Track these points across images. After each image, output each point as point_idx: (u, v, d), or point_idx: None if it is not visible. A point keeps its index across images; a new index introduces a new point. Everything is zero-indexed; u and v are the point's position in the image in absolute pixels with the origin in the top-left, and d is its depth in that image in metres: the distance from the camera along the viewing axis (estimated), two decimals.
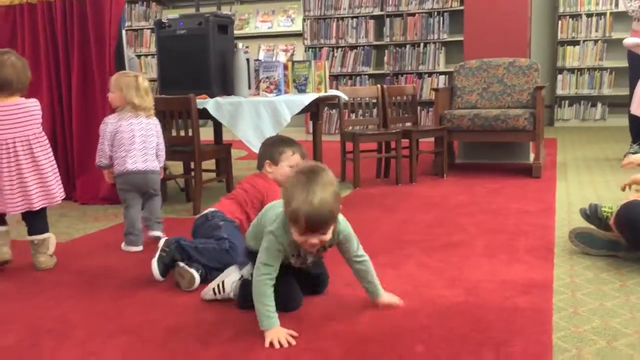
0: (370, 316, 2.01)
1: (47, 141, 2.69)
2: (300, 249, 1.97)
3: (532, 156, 4.82)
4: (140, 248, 2.92)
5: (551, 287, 2.20)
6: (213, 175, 4.16)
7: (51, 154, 2.71)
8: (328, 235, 1.83)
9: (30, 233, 2.70)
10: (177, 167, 4.47)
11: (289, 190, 1.79)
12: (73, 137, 4.09)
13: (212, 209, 2.64)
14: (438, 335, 1.84)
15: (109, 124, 2.95)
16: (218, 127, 4.57)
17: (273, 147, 2.68)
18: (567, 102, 7.90)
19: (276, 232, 1.89)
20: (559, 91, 7.82)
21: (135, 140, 2.93)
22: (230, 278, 2.17)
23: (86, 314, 2.11)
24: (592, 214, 2.68)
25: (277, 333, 1.82)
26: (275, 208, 2.01)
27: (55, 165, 2.73)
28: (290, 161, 2.63)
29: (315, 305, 2.12)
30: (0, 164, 2.53)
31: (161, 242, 2.43)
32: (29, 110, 2.62)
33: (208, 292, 2.18)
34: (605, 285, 2.21)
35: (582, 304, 2.04)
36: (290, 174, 1.88)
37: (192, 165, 3.79)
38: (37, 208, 2.63)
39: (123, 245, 2.96)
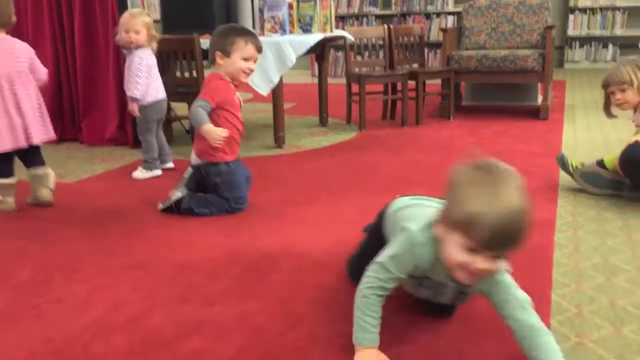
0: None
1: (32, 84, 2.67)
2: (440, 275, 1.41)
3: (540, 98, 4.78)
4: (161, 172, 3.24)
5: (553, 225, 2.23)
6: None
7: (34, 96, 2.68)
8: (502, 263, 1.32)
9: (30, 166, 2.71)
10: (182, 109, 4.46)
11: (457, 189, 1.27)
12: (77, 79, 4.07)
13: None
14: None
15: (144, 57, 3.15)
16: None
17: (224, 37, 2.46)
18: (577, 43, 7.74)
19: (417, 235, 1.35)
20: (570, 32, 7.66)
21: (157, 71, 3.24)
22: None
23: (95, 251, 2.15)
24: (564, 164, 2.71)
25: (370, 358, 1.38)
26: (423, 207, 1.54)
27: (38, 107, 2.70)
28: (243, 52, 2.45)
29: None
30: None
31: (174, 196, 2.54)
32: (11, 48, 2.58)
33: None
34: (608, 223, 2.23)
35: (583, 242, 2.06)
36: (462, 170, 1.29)
37: None
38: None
39: (142, 173, 3.19)
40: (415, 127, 4.37)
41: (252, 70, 2.45)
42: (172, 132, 4.11)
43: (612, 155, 2.59)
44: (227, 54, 2.44)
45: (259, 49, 2.47)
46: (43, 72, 2.74)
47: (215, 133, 2.42)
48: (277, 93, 3.75)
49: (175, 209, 2.52)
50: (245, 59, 2.45)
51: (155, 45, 3.21)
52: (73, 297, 1.78)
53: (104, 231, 2.37)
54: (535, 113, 4.51)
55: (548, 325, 1.51)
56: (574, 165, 2.67)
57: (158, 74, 3.26)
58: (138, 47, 3.13)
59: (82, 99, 4.09)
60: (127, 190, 2.95)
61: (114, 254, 2.12)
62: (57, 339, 1.54)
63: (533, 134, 3.92)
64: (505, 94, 5.06)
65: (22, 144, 2.62)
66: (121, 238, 2.28)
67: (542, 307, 1.60)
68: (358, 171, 3.17)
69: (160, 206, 2.57)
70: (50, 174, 2.73)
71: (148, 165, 3.21)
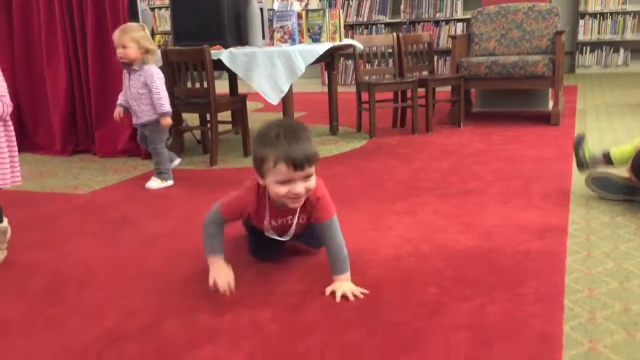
0: (384, 260, 2.04)
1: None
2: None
3: (550, 103, 4.76)
4: (172, 182, 3.29)
5: (566, 231, 2.21)
6: (229, 127, 4.18)
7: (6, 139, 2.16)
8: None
9: None
10: (193, 119, 4.49)
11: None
12: (90, 91, 4.12)
13: None
14: (451, 278, 1.87)
15: (160, 72, 3.19)
16: (233, 79, 4.56)
17: (256, 148, 1.73)
18: (588, 48, 7.72)
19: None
20: (581, 37, 7.64)
21: None
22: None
23: (108, 261, 2.17)
24: (578, 144, 2.70)
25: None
26: None
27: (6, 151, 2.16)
28: (275, 175, 1.68)
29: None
30: None
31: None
32: None
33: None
34: (621, 228, 2.21)
35: (596, 247, 2.05)
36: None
37: (208, 117, 3.80)
38: None
39: (157, 183, 3.22)
40: (425, 134, 4.37)
41: (299, 195, 1.71)
42: (183, 142, 4.14)
43: (618, 147, 2.59)
44: (261, 175, 1.74)
45: (299, 163, 1.63)
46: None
47: (220, 280, 1.81)
48: (287, 102, 3.78)
49: None
50: (282, 182, 1.68)
51: (153, 58, 3.19)
52: (86, 307, 1.80)
53: (117, 241, 2.38)
54: (546, 119, 4.49)
55: (560, 331, 1.50)
56: (586, 153, 2.66)
57: None
58: (144, 63, 3.14)
59: (95, 111, 4.13)
60: (140, 201, 2.97)
61: (126, 264, 2.14)
62: (71, 349, 1.55)
63: (544, 139, 3.91)
64: (515, 100, 5.05)
65: None
66: (134, 248, 2.30)
67: (555, 313, 1.60)
68: (368, 179, 3.17)
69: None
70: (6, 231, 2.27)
71: (163, 175, 3.23)
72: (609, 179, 2.56)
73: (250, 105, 4.68)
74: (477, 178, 3.05)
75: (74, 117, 4.26)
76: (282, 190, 1.69)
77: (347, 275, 1.83)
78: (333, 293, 1.79)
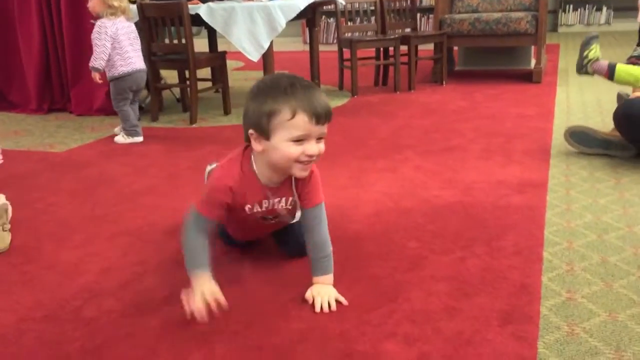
0: (365, 216, 2.03)
1: None
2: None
3: (533, 62, 4.74)
4: (142, 139, 3.24)
5: (546, 186, 2.22)
6: (209, 84, 4.10)
7: None
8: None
9: None
10: (172, 78, 4.40)
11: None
12: (65, 48, 4.00)
13: None
14: (432, 232, 1.87)
15: (107, 27, 3.09)
16: (212, 37, 4.47)
17: (258, 101, 1.40)
18: (571, 6, 7.67)
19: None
20: None
21: (132, 41, 3.20)
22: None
23: (86, 219, 2.14)
24: (587, 44, 2.69)
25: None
26: None
27: None
28: (291, 130, 1.37)
29: None
30: None
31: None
32: None
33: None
34: (600, 183, 2.23)
35: (575, 201, 2.06)
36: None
37: (187, 74, 3.73)
38: None
39: (124, 139, 3.23)
40: (407, 92, 4.33)
41: (312, 157, 1.42)
42: (162, 101, 4.07)
43: (626, 66, 2.59)
44: (264, 133, 1.40)
45: (323, 113, 1.38)
46: None
47: (196, 302, 1.42)
48: (267, 59, 3.71)
49: None
50: (297, 140, 1.38)
51: (120, 14, 3.13)
52: (64, 264, 1.77)
53: (94, 199, 2.35)
54: (528, 77, 4.48)
55: (539, 282, 1.51)
56: (591, 53, 2.64)
57: (133, 44, 3.20)
58: (103, 15, 3.10)
59: (70, 68, 4.03)
60: (118, 159, 2.92)
61: (104, 221, 2.11)
62: (48, 304, 1.53)
63: (526, 97, 3.90)
64: (498, 58, 5.02)
65: None
66: (111, 205, 2.26)
67: (534, 265, 1.61)
68: (350, 137, 3.15)
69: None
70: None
71: (130, 132, 3.21)
72: (586, 133, 2.56)
73: (230, 64, 4.59)
74: (459, 135, 3.04)
75: (49, 73, 4.15)
76: (295, 150, 1.38)
77: (330, 277, 1.54)
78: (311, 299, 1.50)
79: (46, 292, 1.60)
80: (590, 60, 2.61)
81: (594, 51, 2.62)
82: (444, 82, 4.54)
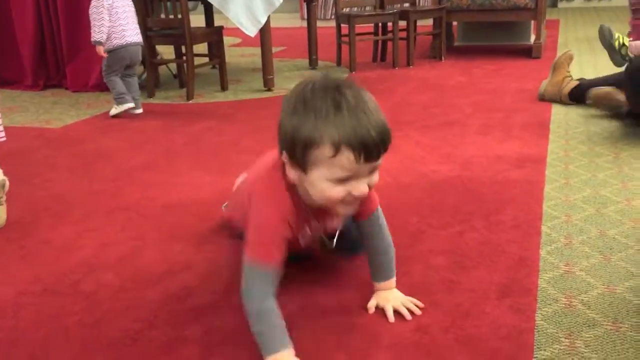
0: None
1: None
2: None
3: (532, 37, 4.70)
4: (141, 110, 3.27)
5: (545, 160, 2.21)
6: (206, 60, 4.06)
7: None
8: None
9: None
10: (168, 54, 4.36)
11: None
12: (60, 23, 3.95)
13: None
14: (431, 206, 1.87)
15: (101, 0, 3.06)
16: (209, 12, 4.41)
17: (293, 123, 1.08)
18: None
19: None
20: None
21: (128, 14, 3.17)
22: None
23: (83, 194, 2.13)
24: (607, 37, 2.72)
25: None
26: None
27: None
28: (332, 169, 1.06)
29: None
30: None
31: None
32: None
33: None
34: (599, 157, 2.22)
35: (574, 176, 2.05)
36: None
37: (184, 50, 3.69)
38: None
39: (115, 109, 3.22)
40: (406, 68, 4.30)
41: (361, 197, 1.12)
42: (158, 76, 4.04)
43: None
44: (299, 165, 1.09)
45: (374, 149, 1.05)
46: None
47: None
48: (264, 34, 3.67)
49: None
50: (340, 180, 1.08)
51: None
52: (61, 238, 1.77)
53: (92, 174, 2.34)
54: (528, 52, 4.44)
55: (537, 255, 1.51)
56: (621, 41, 2.68)
57: (128, 17, 3.16)
58: None
59: (66, 44, 3.98)
60: (115, 134, 2.90)
61: (102, 197, 2.10)
62: (46, 278, 1.53)
63: (525, 72, 3.87)
64: (497, 33, 4.97)
65: None
66: (109, 181, 2.25)
67: (532, 238, 1.61)
68: None
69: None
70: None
71: (119, 100, 3.19)
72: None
73: (227, 40, 4.55)
74: (458, 111, 3.02)
75: (44, 49, 4.11)
76: (338, 192, 1.08)
77: (393, 281, 1.35)
78: (378, 308, 1.31)
79: (44, 267, 1.60)
80: (624, 46, 2.67)
81: (619, 38, 2.67)
82: (442, 58, 4.51)
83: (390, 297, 1.31)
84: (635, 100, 2.39)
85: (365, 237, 1.32)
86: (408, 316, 1.27)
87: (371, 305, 1.31)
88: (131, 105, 3.19)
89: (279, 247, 1.16)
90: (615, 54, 2.69)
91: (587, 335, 1.18)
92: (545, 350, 1.15)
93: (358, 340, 1.21)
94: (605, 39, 2.72)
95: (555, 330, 1.20)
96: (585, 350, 1.14)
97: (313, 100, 1.05)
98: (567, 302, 1.30)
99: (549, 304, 1.30)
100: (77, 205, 2.03)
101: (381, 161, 1.09)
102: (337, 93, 1.05)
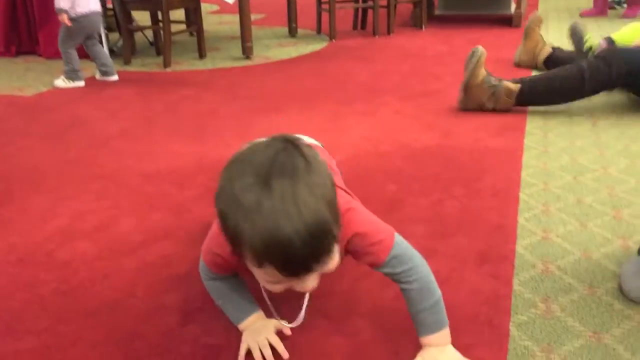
0: (342, 159, 2.02)
1: None
2: None
3: (513, 6, 4.68)
4: (117, 76, 3.22)
5: (523, 129, 2.22)
6: (183, 27, 3.98)
7: None
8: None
9: None
10: (144, 21, 4.26)
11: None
12: None
13: None
14: (410, 175, 1.87)
15: None
16: None
17: (224, 213, 0.85)
18: None
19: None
20: None
21: None
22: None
23: (58, 163, 2.09)
24: (577, 39, 2.75)
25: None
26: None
27: None
28: (259, 274, 0.91)
29: None
30: None
31: None
32: None
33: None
34: (577, 126, 2.23)
35: (552, 144, 2.06)
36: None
37: (160, 16, 3.61)
38: None
39: (64, 83, 3.14)
40: (386, 36, 4.27)
41: (305, 291, 0.96)
42: (134, 43, 3.95)
43: (621, 31, 2.62)
44: (236, 249, 0.88)
45: (299, 268, 0.84)
46: None
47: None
48: (243, 2, 3.60)
49: None
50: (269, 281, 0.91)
51: None
52: (36, 207, 1.74)
53: (66, 143, 2.29)
54: (508, 21, 4.43)
55: (515, 222, 1.52)
56: (589, 45, 2.71)
57: None
58: None
59: (37, 10, 3.87)
60: (90, 103, 2.85)
61: (77, 165, 2.06)
62: (21, 247, 1.51)
63: (505, 41, 3.87)
64: (478, 2, 4.94)
65: None
66: (84, 149, 2.21)
67: (510, 206, 1.62)
68: (328, 81, 3.10)
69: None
70: None
71: (72, 75, 3.12)
72: None
73: (205, 7, 4.46)
74: (438, 80, 3.01)
75: (15, 15, 3.98)
76: (278, 288, 0.91)
77: (446, 333, 1.03)
78: None
79: (19, 236, 1.57)
80: (590, 50, 2.69)
81: (589, 41, 2.68)
82: (423, 27, 4.47)
83: (441, 357, 1.02)
84: (590, 86, 2.33)
85: (393, 280, 1.04)
86: None
87: None
88: (82, 84, 3.13)
89: (221, 267, 1.07)
90: (582, 55, 2.72)
91: (563, 300, 1.20)
92: (522, 314, 1.16)
93: (337, 307, 1.21)
94: (576, 38, 2.75)
95: (531, 295, 1.22)
96: (561, 315, 1.15)
97: (237, 180, 0.82)
98: (543, 268, 1.32)
99: (526, 270, 1.31)
100: (52, 174, 1.99)
101: (322, 269, 0.87)
102: (265, 174, 0.80)
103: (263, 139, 0.87)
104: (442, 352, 1.02)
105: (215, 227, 1.04)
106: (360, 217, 1.01)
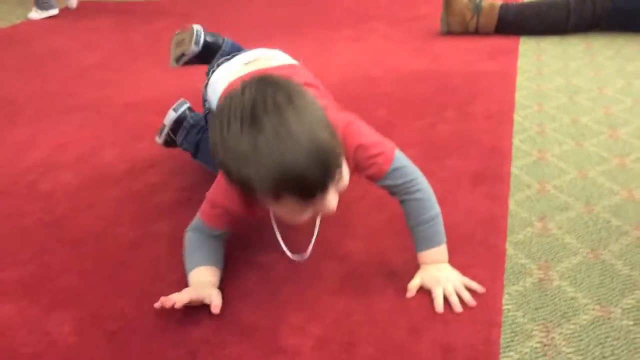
0: (331, 85, 1.95)
1: None
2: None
3: None
4: (57, 11, 3.09)
5: (517, 51, 2.16)
6: None
7: None
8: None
9: None
10: None
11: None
12: None
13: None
14: (401, 99, 1.81)
15: None
16: None
17: (221, 151, 0.84)
18: None
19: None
20: None
21: None
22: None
23: (36, 95, 2.01)
24: None
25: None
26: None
27: None
28: (282, 210, 0.91)
29: None
30: None
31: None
32: None
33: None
34: (571, 47, 2.17)
35: (546, 65, 2.01)
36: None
37: None
38: None
39: (37, 14, 3.04)
40: None
41: (319, 215, 1.03)
42: None
43: None
44: (249, 196, 0.90)
45: (313, 189, 0.83)
46: None
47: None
48: None
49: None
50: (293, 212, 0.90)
51: None
52: (15, 139, 1.68)
53: (44, 74, 2.20)
54: None
55: (510, 144, 1.49)
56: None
57: None
58: None
59: None
60: (66, 34, 2.73)
61: (56, 96, 1.98)
62: (3, 180, 1.45)
63: None
64: None
65: None
66: (63, 80, 2.13)
67: (504, 127, 1.58)
68: (313, 6, 2.99)
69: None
70: None
71: (43, 5, 3.01)
72: None
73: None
74: (427, 4, 2.91)
75: None
76: (303, 217, 0.90)
77: (443, 250, 1.02)
78: (422, 289, 1.00)
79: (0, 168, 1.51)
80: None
81: None
82: None
83: (441, 278, 0.98)
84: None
85: (393, 196, 1.04)
86: (458, 308, 0.95)
87: (413, 286, 1.00)
88: (55, 12, 3.02)
89: (220, 218, 1.03)
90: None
91: (560, 218, 1.18)
92: (518, 233, 1.14)
93: (331, 231, 1.18)
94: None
95: (528, 215, 1.20)
96: (558, 232, 1.13)
97: (229, 134, 0.81)
98: (539, 188, 1.29)
99: (522, 190, 1.28)
100: (29, 105, 1.92)
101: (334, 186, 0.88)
102: (252, 124, 0.79)
103: (237, 88, 0.85)
104: (440, 269, 1.01)
105: (220, 180, 1.00)
106: (360, 129, 1.02)
